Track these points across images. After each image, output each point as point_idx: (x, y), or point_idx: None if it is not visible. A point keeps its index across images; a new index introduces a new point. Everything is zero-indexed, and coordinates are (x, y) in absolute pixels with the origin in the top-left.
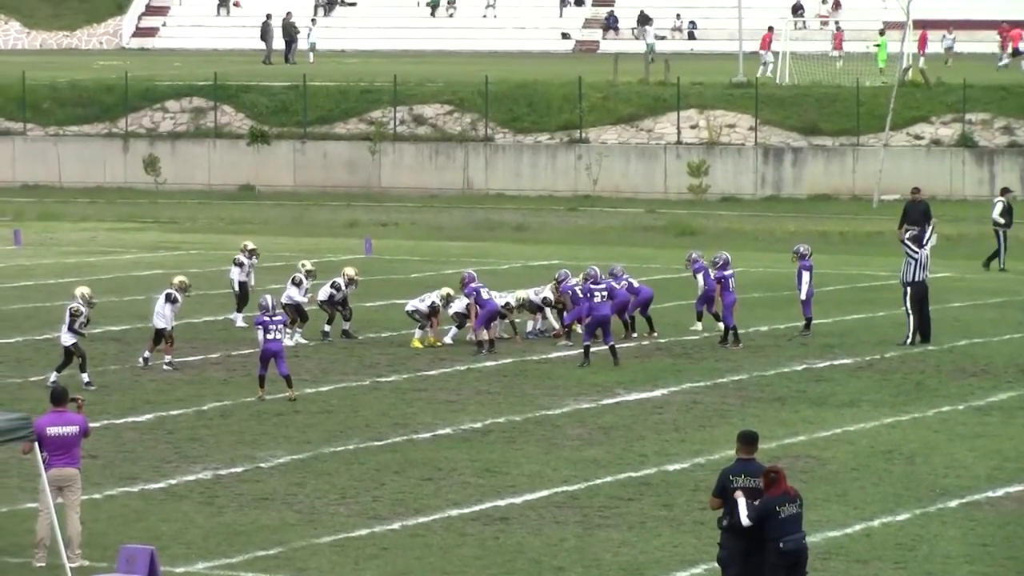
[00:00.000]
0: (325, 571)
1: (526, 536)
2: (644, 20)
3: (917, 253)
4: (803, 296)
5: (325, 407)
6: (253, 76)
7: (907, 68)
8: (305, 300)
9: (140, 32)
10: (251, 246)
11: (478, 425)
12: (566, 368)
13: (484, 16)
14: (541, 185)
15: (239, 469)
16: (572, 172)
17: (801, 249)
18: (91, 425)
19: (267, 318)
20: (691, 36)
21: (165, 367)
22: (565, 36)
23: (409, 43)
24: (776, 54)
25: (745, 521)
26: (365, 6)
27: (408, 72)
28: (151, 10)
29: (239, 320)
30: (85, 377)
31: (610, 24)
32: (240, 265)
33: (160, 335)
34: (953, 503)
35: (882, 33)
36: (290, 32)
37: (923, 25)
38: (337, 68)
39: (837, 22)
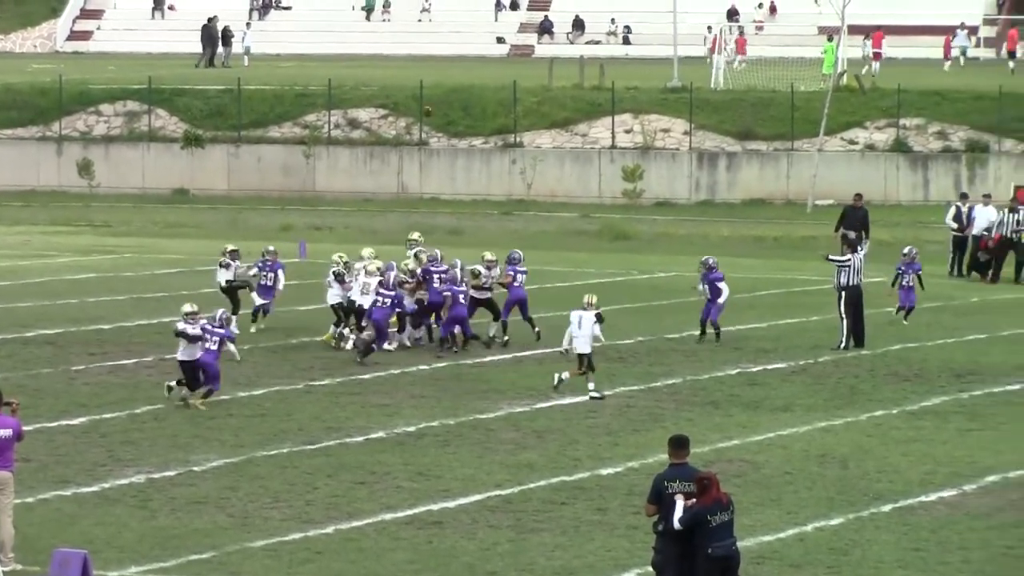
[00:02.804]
0: (260, 574)
1: (460, 540)
2: (579, 25)
3: (848, 262)
4: (720, 303)
5: (258, 411)
6: (187, 80)
7: (842, 73)
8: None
9: (74, 36)
10: (231, 247)
11: (412, 429)
12: (500, 372)
13: (419, 20)
14: (475, 189)
15: (172, 473)
16: (506, 176)
17: (711, 261)
18: (24, 428)
19: (212, 327)
20: (626, 41)
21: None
22: (500, 40)
23: (344, 47)
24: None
25: (676, 524)
26: (300, 10)
27: (343, 76)
28: (85, 13)
29: (233, 324)
30: None
31: (545, 28)
32: (226, 267)
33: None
34: (886, 508)
35: (830, 39)
36: (224, 36)
37: (859, 31)
38: (272, 72)
39: (741, 27)
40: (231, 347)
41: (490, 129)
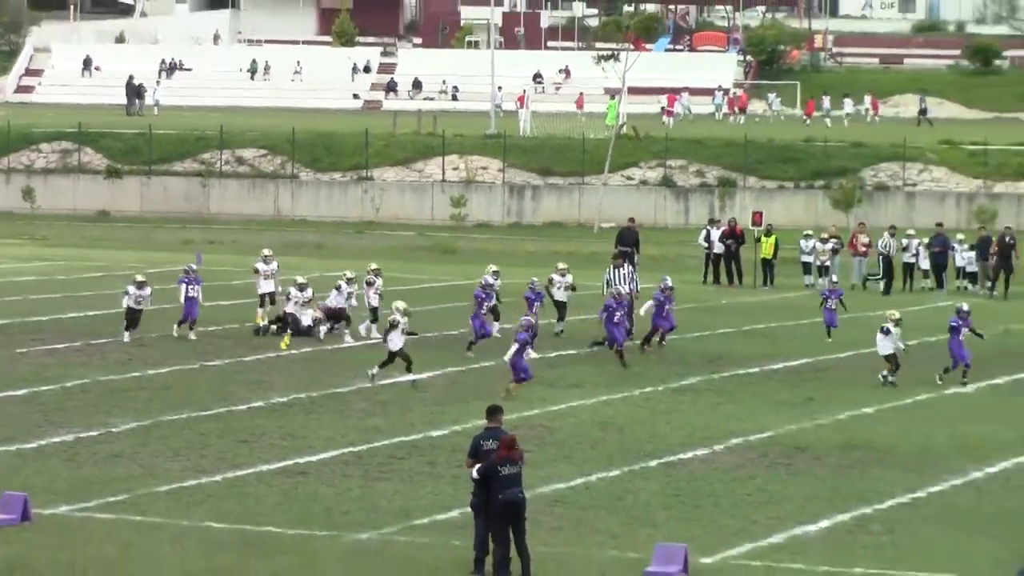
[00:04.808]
0: (162, 513)
1: (320, 487)
2: (417, 85)
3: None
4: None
5: (163, 385)
6: (109, 124)
7: (623, 124)
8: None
9: (21, 89)
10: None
11: (284, 399)
12: (354, 355)
13: (292, 80)
14: (335, 213)
15: (95, 433)
16: (360, 203)
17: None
18: None
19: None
20: (454, 98)
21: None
22: (356, 96)
23: (233, 100)
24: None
25: (474, 475)
26: (199, 71)
27: (232, 123)
28: (29, 72)
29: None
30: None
31: (391, 87)
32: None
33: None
34: (653, 463)
35: (612, 97)
36: (138, 91)
37: (637, 92)
38: (176, 119)
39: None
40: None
41: (347, 166)
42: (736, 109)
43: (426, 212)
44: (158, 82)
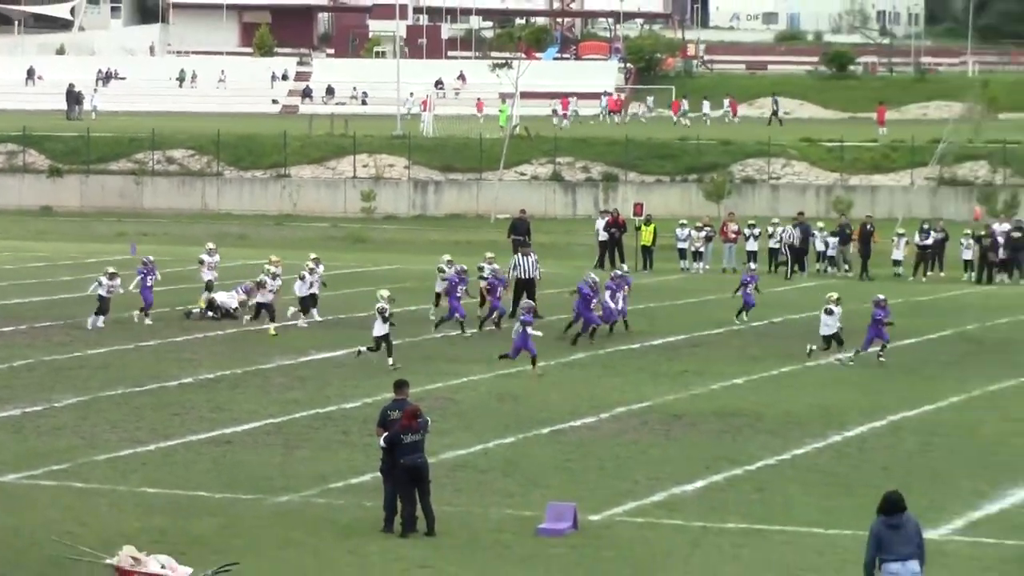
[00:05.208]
0: (101, 480)
1: (244, 455)
2: (331, 91)
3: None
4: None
5: (102, 364)
6: (52, 128)
7: (516, 125)
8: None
9: None
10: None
11: (211, 376)
12: (276, 335)
13: (217, 87)
14: (257, 207)
15: (40, 408)
16: (279, 198)
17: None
18: None
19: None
20: (364, 102)
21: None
22: (274, 102)
23: (163, 106)
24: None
25: (381, 443)
26: (132, 79)
27: (162, 126)
28: None
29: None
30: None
31: (307, 93)
32: (99, 284)
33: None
34: (545, 430)
35: (504, 101)
36: (77, 98)
37: (529, 96)
38: (112, 123)
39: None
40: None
41: (267, 164)
42: (609, 111)
43: (339, 206)
44: (95, 90)
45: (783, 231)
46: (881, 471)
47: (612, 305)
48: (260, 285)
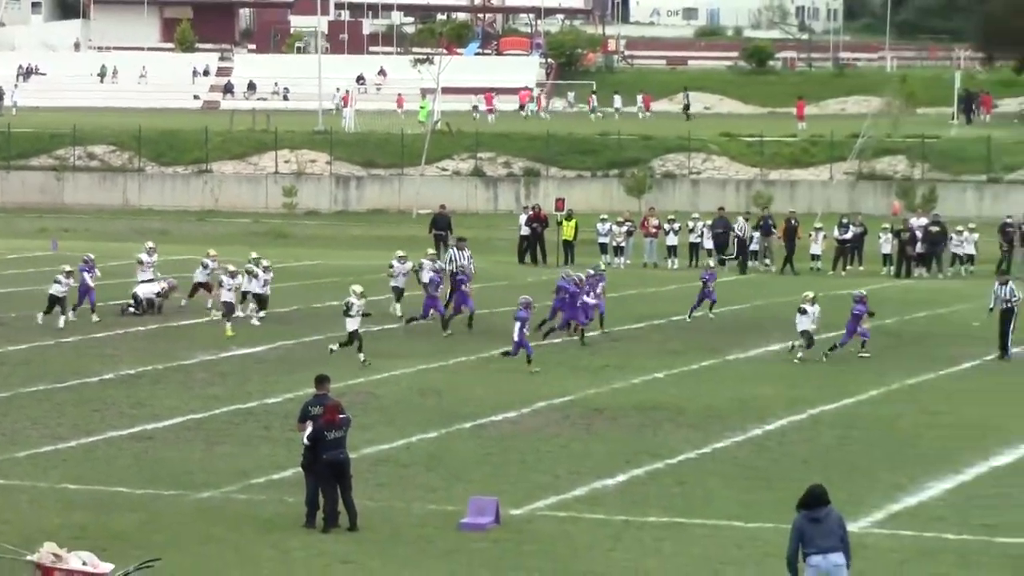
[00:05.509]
0: (22, 476)
1: (165, 451)
2: (252, 87)
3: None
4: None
5: (23, 360)
6: None
7: (437, 121)
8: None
9: None
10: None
11: (132, 372)
12: (198, 330)
13: (138, 83)
14: (179, 202)
15: None
16: (201, 193)
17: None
18: None
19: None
20: (285, 98)
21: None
22: (196, 98)
23: (84, 102)
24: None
25: (304, 440)
26: (53, 75)
27: (84, 122)
28: None
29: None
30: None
31: (228, 89)
32: (58, 282)
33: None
34: (468, 425)
35: (424, 97)
36: None
37: (450, 92)
38: (33, 119)
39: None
40: None
41: (189, 160)
42: (520, 105)
43: (261, 201)
44: (16, 85)
45: (701, 225)
46: (801, 464)
47: (591, 302)
48: (252, 275)
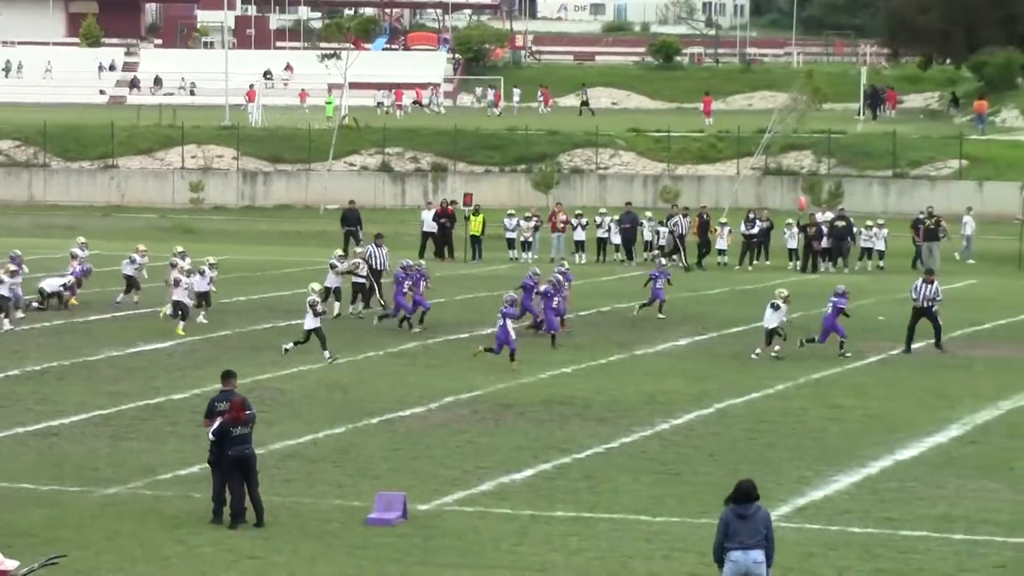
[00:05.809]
0: None
1: (71, 447)
2: (158, 82)
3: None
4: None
5: None
6: None
7: (344, 116)
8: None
9: None
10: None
11: (38, 368)
12: (103, 326)
13: (43, 78)
14: (85, 198)
15: None
16: (107, 188)
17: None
18: None
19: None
20: (192, 93)
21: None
22: (102, 92)
23: None
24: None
25: (211, 436)
26: None
27: None
28: None
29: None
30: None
31: (134, 84)
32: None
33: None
34: (375, 420)
35: (330, 92)
36: None
37: (358, 87)
38: None
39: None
40: None
41: (95, 155)
42: (415, 101)
43: (167, 196)
44: None
45: (609, 220)
46: (708, 458)
47: (552, 314)
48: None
